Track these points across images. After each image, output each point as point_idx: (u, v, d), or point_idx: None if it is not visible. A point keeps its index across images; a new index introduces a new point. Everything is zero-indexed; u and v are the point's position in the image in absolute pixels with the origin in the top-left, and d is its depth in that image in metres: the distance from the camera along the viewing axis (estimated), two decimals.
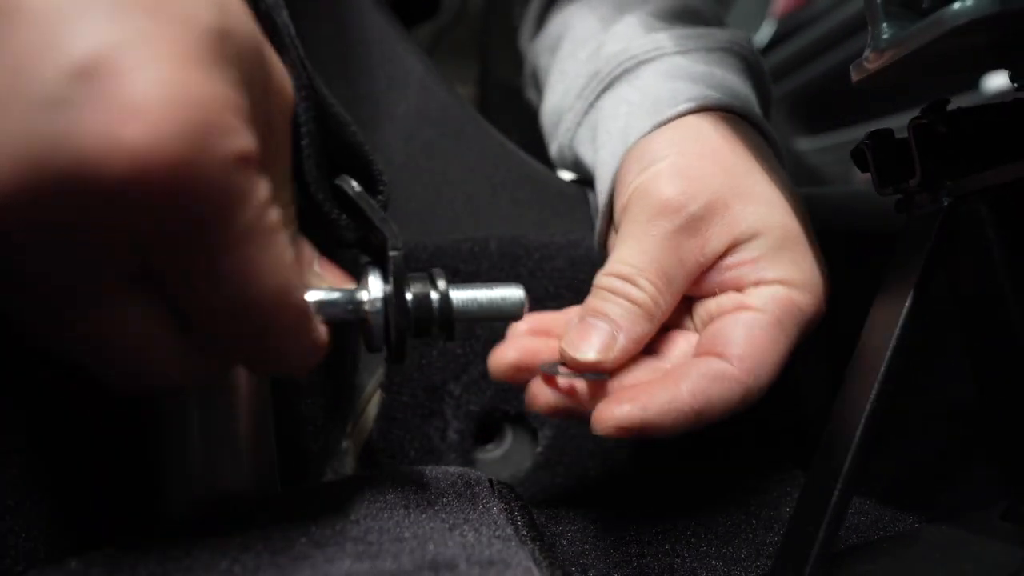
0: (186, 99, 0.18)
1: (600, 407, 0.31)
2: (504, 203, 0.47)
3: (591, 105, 0.44)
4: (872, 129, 0.31)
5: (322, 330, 0.25)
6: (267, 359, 0.23)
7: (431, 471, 0.32)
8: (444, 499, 0.29)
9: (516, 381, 0.34)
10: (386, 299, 0.26)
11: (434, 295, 0.27)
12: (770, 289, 0.33)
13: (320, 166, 0.27)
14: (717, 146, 0.36)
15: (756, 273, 0.33)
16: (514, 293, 0.28)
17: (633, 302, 0.33)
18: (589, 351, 0.32)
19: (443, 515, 0.28)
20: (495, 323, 0.41)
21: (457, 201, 0.47)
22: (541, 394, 0.33)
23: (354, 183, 0.28)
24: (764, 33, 1.42)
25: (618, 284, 0.33)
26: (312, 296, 0.25)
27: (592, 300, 0.34)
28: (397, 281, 0.26)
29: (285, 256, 0.22)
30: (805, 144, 1.40)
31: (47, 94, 0.17)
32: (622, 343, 0.32)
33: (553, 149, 0.50)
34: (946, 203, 0.29)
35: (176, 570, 0.23)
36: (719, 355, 0.32)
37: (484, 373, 0.42)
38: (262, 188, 0.20)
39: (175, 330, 0.21)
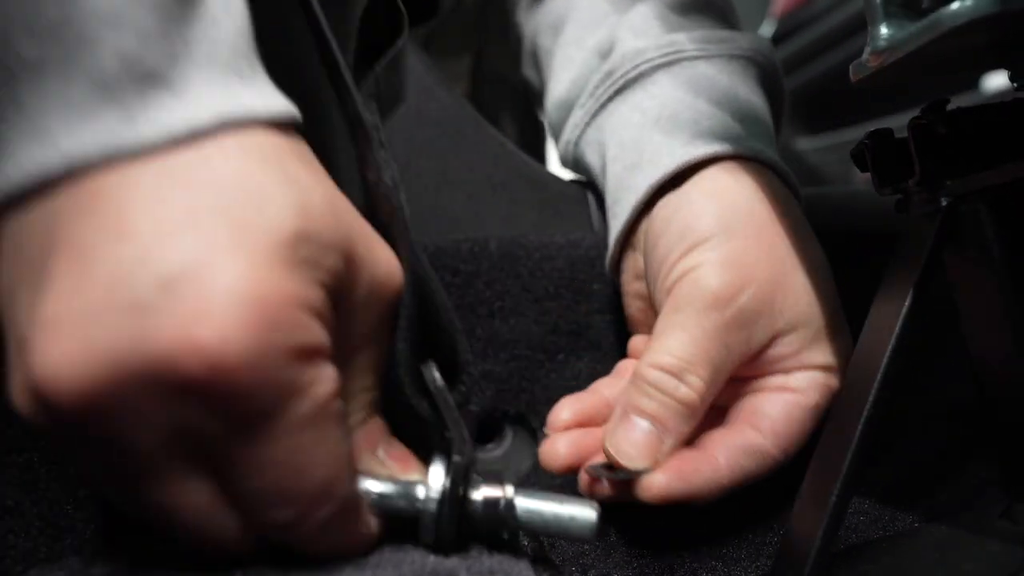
0: (253, 300, 0.20)
1: (647, 477, 0.31)
2: (504, 203, 0.47)
3: (602, 106, 0.43)
4: (872, 129, 0.31)
5: (372, 520, 0.25)
6: (310, 544, 0.23)
7: None
8: None
9: (569, 474, 0.35)
10: (442, 501, 0.25)
11: (500, 504, 0.26)
12: (810, 374, 0.33)
13: (414, 347, 0.27)
14: (760, 221, 0.35)
15: (799, 362, 0.34)
16: (586, 514, 0.26)
17: (680, 402, 0.32)
18: (637, 459, 0.31)
19: None
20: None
21: (457, 201, 0.47)
22: (598, 489, 0.33)
23: (437, 375, 0.27)
24: (764, 33, 1.42)
25: (666, 381, 0.32)
26: (365, 485, 0.25)
27: (636, 395, 0.33)
28: (453, 492, 0.25)
29: (338, 449, 0.23)
30: (805, 144, 1.40)
31: (136, 302, 0.19)
32: (669, 445, 0.32)
33: (559, 144, 0.49)
34: (945, 203, 0.29)
35: (176, 570, 0.23)
36: (753, 426, 0.33)
37: (484, 373, 0.42)
38: (326, 380, 0.22)
39: (227, 504, 0.22)
